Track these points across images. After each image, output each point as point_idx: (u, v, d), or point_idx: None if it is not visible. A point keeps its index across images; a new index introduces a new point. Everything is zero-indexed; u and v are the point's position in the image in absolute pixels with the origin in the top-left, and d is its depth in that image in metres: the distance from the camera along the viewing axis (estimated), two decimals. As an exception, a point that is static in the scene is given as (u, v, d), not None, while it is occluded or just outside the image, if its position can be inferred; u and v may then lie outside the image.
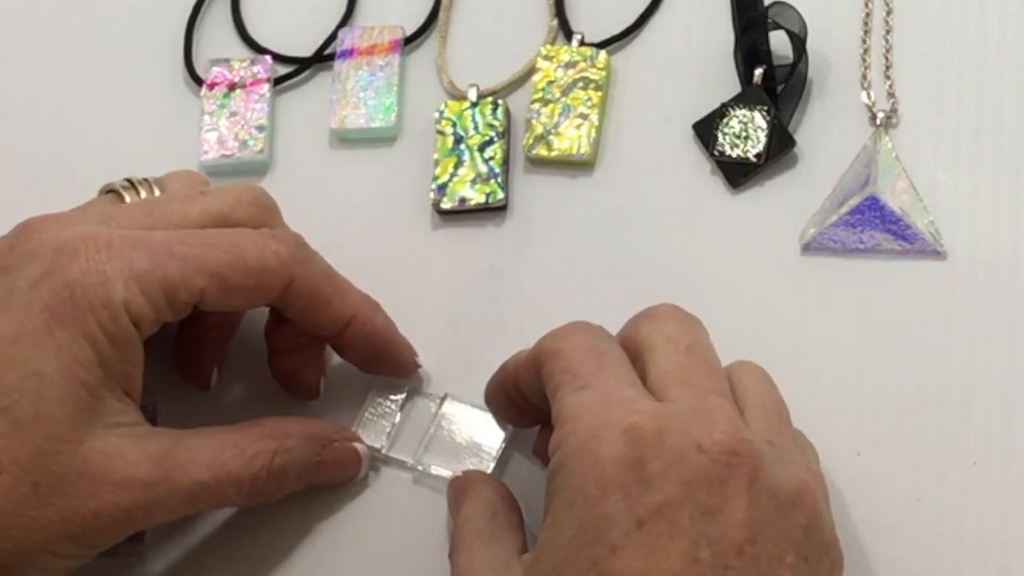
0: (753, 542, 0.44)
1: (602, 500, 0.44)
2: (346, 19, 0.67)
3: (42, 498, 0.48)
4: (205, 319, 0.57)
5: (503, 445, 0.56)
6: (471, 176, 0.61)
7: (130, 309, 0.50)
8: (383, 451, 0.57)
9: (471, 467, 0.56)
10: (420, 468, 0.56)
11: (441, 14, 0.66)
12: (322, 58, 0.66)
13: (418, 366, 0.58)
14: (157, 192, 0.56)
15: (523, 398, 0.52)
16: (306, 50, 0.67)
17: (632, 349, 0.49)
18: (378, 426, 0.57)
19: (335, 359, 0.59)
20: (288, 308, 0.54)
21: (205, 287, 0.51)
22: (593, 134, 0.61)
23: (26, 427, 0.48)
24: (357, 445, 0.56)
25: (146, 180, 0.56)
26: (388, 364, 0.57)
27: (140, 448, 0.50)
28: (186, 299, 0.51)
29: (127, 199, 0.55)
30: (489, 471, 0.56)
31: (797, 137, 0.60)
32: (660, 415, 0.45)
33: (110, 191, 0.56)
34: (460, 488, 0.53)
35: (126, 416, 0.50)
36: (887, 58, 0.61)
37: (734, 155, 0.60)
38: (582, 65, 0.63)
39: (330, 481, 0.56)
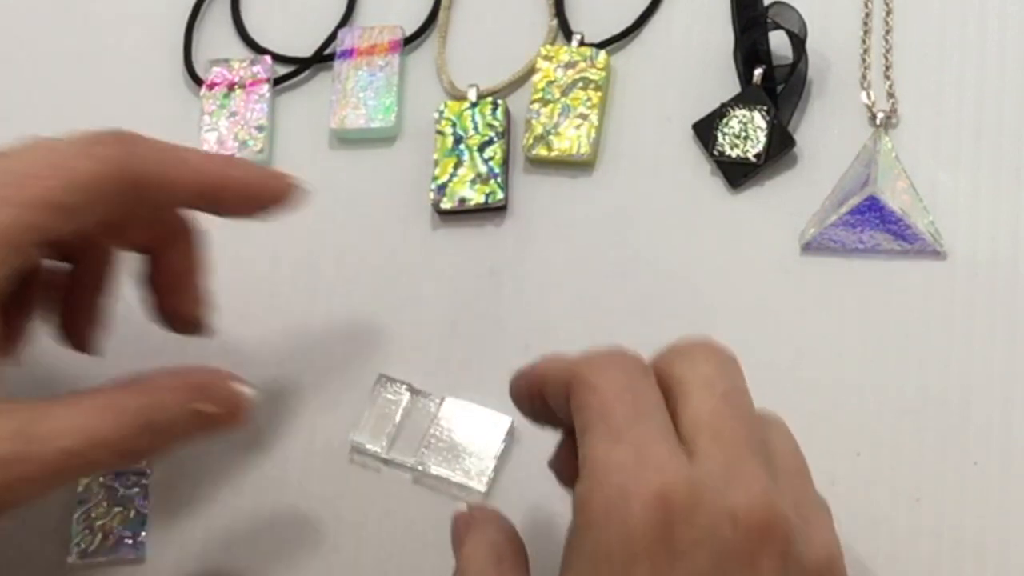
0: None
1: (629, 568, 0.42)
2: (346, 19, 0.67)
3: None
4: (74, 276, 0.55)
5: (503, 445, 0.56)
6: (471, 176, 0.61)
7: None
8: (383, 451, 0.57)
9: (471, 467, 0.56)
10: (420, 468, 0.56)
11: (441, 14, 0.66)
12: (322, 58, 0.66)
13: (298, 186, 0.55)
14: None
15: (547, 406, 0.50)
16: (306, 50, 0.67)
17: (664, 386, 0.47)
18: (378, 426, 0.57)
19: (330, 358, 0.59)
20: (148, 198, 0.52)
21: (44, 222, 0.48)
22: (593, 134, 0.61)
23: None
24: (238, 387, 0.52)
25: None
26: (270, 203, 0.55)
27: None
28: (31, 239, 0.48)
29: None
30: (489, 471, 0.56)
31: (797, 137, 0.60)
32: (693, 480, 0.43)
33: None
34: (464, 525, 0.51)
35: None
36: (887, 58, 0.61)
37: (734, 155, 0.60)
38: (582, 65, 0.63)
39: (216, 429, 0.52)
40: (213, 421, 0.52)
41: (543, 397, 0.50)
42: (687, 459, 0.44)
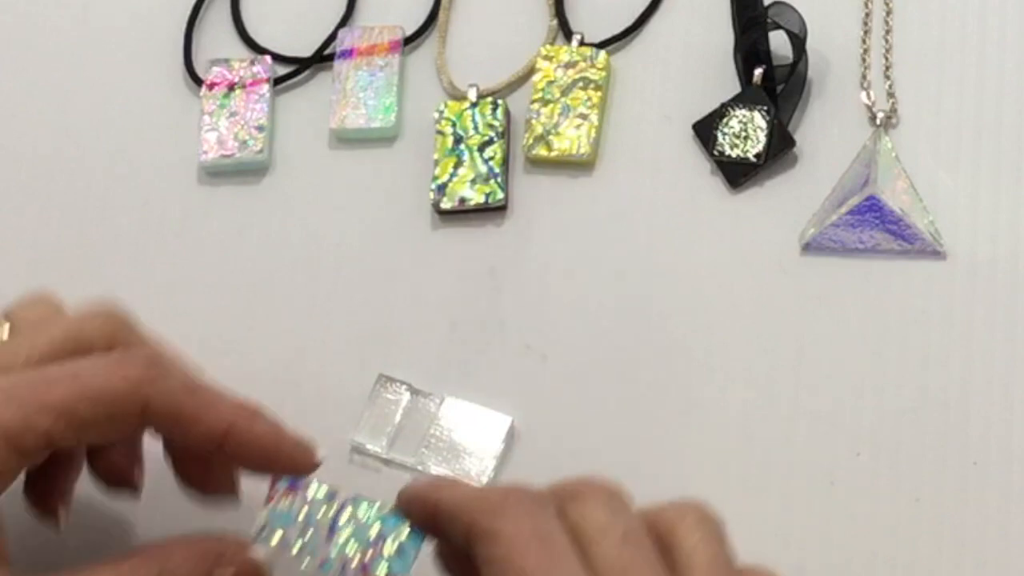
0: None
1: None
2: (346, 19, 0.67)
3: None
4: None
5: (503, 445, 0.56)
6: (471, 176, 0.61)
7: None
8: (383, 451, 0.57)
9: (471, 467, 0.56)
10: (420, 468, 0.56)
11: (441, 14, 0.66)
12: (322, 58, 0.66)
13: (318, 463, 0.51)
14: (7, 326, 0.53)
15: (441, 532, 0.48)
16: (306, 50, 0.67)
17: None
18: (378, 426, 0.57)
19: (330, 358, 0.59)
20: (155, 431, 0.51)
21: (50, 427, 0.47)
22: (593, 134, 0.61)
23: None
24: (253, 553, 0.50)
25: None
26: (283, 467, 0.51)
27: None
28: (34, 443, 0.47)
29: None
30: (489, 471, 0.56)
31: (797, 137, 0.60)
32: None
33: None
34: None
35: None
36: (887, 58, 0.61)
37: (734, 155, 0.60)
38: (582, 65, 0.63)
39: None
40: None
41: (436, 524, 0.48)
42: None
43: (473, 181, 0.61)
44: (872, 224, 0.57)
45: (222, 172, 0.65)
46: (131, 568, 0.48)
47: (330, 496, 0.50)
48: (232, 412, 0.50)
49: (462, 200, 0.61)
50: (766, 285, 0.58)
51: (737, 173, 0.60)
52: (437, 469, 0.56)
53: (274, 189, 0.64)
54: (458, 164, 0.62)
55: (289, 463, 0.51)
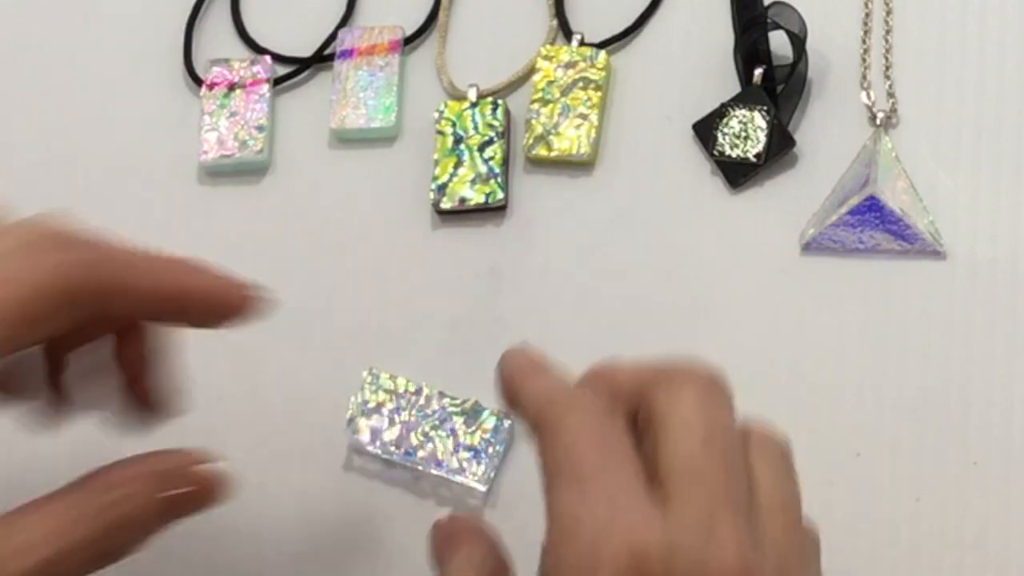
0: None
1: None
2: (346, 19, 0.67)
3: None
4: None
5: (503, 445, 0.56)
6: (471, 176, 0.61)
7: None
8: (383, 451, 0.57)
9: (471, 467, 0.56)
10: (420, 468, 0.56)
11: (441, 14, 0.66)
12: (322, 58, 0.66)
13: (257, 297, 0.50)
14: None
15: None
16: (306, 50, 0.67)
17: (644, 415, 0.44)
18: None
19: (330, 358, 0.59)
20: (105, 308, 0.47)
21: None
22: (593, 134, 0.61)
23: None
24: (209, 467, 0.48)
25: None
26: (230, 315, 0.50)
27: None
28: None
29: None
30: (490, 471, 0.55)
31: (797, 137, 0.60)
32: (666, 542, 0.41)
33: None
34: (445, 540, 0.48)
35: None
36: (887, 58, 0.61)
37: (734, 155, 0.60)
38: (582, 65, 0.63)
39: (191, 511, 0.48)
40: (187, 504, 0.48)
41: (514, 408, 0.47)
42: (660, 510, 0.42)
43: (473, 181, 0.61)
44: (872, 224, 0.57)
45: (222, 172, 0.65)
46: (84, 499, 0.46)
47: (417, 390, 0.56)
48: (171, 263, 0.48)
49: (462, 200, 0.61)
50: (766, 285, 0.58)
51: (737, 173, 0.60)
52: (436, 470, 0.56)
53: (274, 189, 0.64)
54: (458, 164, 0.62)
55: (231, 305, 0.49)
